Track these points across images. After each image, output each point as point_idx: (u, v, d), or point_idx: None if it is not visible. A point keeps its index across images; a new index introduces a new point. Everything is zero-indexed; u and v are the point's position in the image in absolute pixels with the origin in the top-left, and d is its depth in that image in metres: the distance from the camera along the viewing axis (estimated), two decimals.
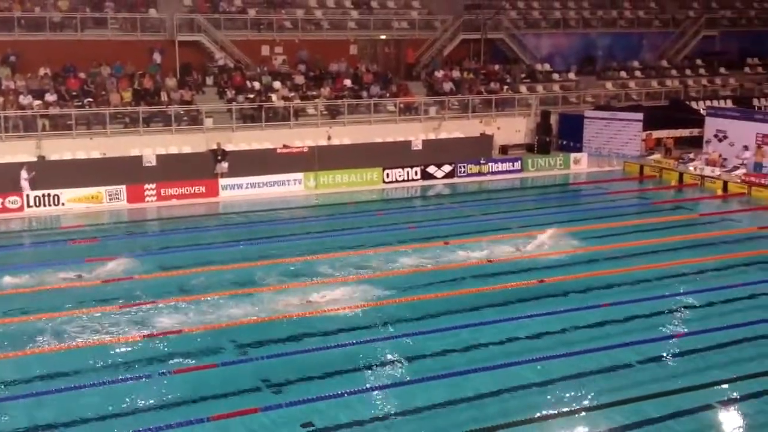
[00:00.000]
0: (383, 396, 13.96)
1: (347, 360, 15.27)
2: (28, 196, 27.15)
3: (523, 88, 39.79)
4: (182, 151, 30.99)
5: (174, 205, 28.50)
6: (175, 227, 25.98)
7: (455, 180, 32.84)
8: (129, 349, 15.83)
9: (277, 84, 35.10)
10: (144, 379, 14.56)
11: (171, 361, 15.25)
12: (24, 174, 27.34)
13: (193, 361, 15.23)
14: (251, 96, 33.87)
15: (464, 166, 33.09)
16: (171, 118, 31.80)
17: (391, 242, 23.31)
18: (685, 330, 17.06)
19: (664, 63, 45.41)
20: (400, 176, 32.22)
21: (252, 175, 30.00)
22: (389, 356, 15.53)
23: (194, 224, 26.42)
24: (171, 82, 33.47)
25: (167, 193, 28.82)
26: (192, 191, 29.18)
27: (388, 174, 32.01)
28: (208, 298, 18.39)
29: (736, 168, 31.53)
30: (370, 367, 15.03)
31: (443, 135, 35.61)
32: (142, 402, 13.73)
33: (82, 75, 32.74)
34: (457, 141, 34.83)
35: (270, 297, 18.49)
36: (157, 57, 34.55)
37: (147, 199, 28.62)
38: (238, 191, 29.84)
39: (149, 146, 30.52)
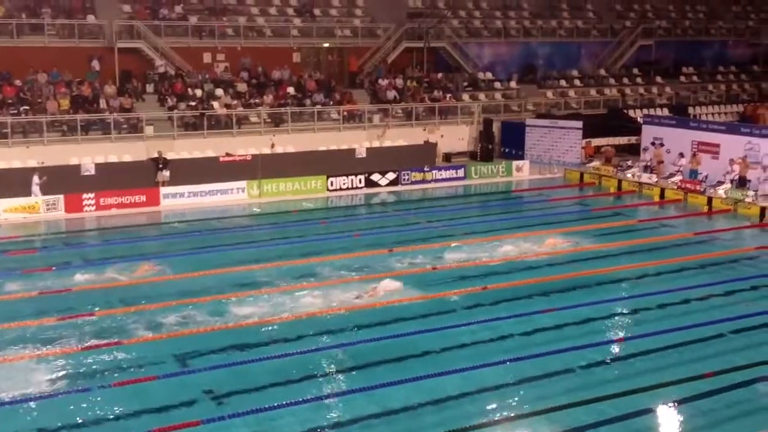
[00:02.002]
0: (327, 405, 13.87)
1: (291, 370, 15.13)
2: None
3: (465, 97, 40.19)
4: (122, 159, 30.50)
5: (114, 215, 28.03)
6: (115, 237, 25.52)
7: (399, 188, 32.92)
8: (67, 362, 15.44)
9: (219, 91, 34.82)
10: (82, 393, 14.20)
11: (110, 374, 14.95)
12: (35, 179, 27.28)
13: (133, 374, 14.95)
14: (193, 103, 33.53)
15: (408, 174, 33.24)
16: (110, 126, 31.32)
17: (335, 250, 23.25)
18: (624, 334, 17.36)
19: (602, 72, 46.33)
20: (344, 184, 32.17)
21: (194, 183, 29.64)
22: (334, 365, 15.46)
23: (134, 234, 25.99)
24: (110, 89, 32.93)
25: (106, 202, 28.30)
26: (132, 200, 28.70)
27: (332, 182, 31.93)
28: (148, 309, 18.09)
29: (672, 175, 32.24)
30: (314, 377, 14.92)
31: (387, 143, 35.75)
32: (81, 416, 13.41)
33: (18, 82, 32.04)
34: (401, 149, 35.00)
35: (212, 307, 18.26)
36: (95, 64, 34.02)
37: (86, 208, 28.05)
38: (179, 200, 29.46)
39: (88, 155, 29.98)
